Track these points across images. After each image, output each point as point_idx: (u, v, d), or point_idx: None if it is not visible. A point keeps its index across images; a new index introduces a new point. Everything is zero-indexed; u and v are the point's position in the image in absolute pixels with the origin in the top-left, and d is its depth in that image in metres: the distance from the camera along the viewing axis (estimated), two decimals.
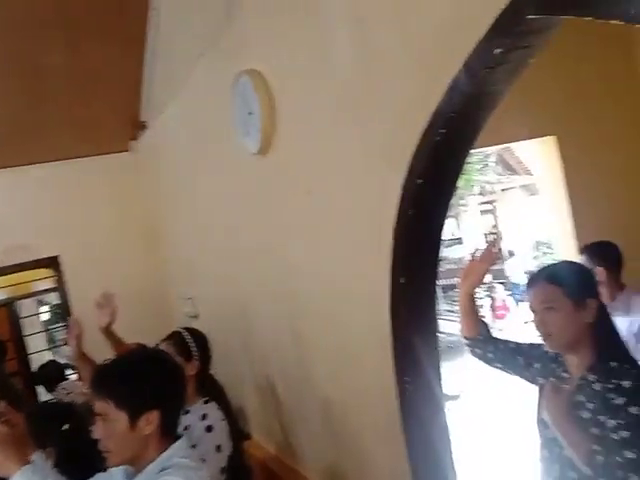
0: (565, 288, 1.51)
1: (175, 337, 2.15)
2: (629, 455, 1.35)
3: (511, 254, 11.20)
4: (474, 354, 1.85)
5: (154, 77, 3.90)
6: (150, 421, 1.31)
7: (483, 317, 1.90)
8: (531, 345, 1.75)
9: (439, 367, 1.62)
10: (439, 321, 1.81)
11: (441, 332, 3.54)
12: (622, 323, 2.43)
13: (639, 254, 2.68)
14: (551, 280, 1.55)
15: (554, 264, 1.75)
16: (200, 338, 2.18)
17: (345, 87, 1.79)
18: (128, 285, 4.06)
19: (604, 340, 1.53)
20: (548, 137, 3.10)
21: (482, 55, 1.27)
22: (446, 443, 1.67)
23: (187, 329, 2.21)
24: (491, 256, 1.84)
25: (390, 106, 1.59)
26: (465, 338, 1.86)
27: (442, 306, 7.32)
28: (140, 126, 4.27)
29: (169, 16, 3.40)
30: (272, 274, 2.55)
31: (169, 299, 4.30)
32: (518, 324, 7.12)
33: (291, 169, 2.23)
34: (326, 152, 1.96)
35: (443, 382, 1.64)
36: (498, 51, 1.23)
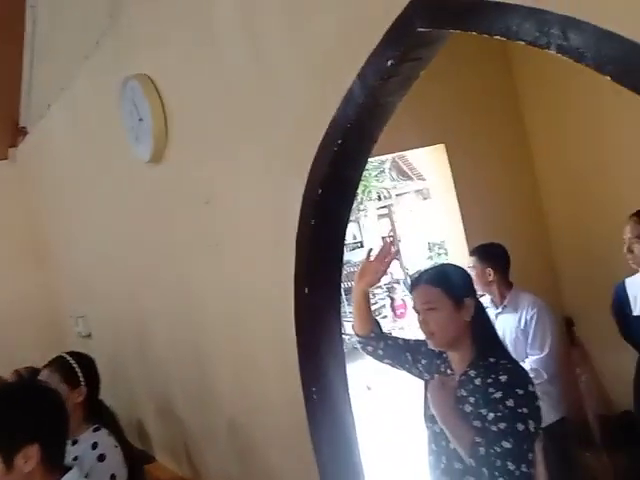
0: (445, 289, 1.61)
1: (58, 363, 1.99)
2: (506, 445, 1.45)
3: (406, 255, 11.72)
4: (366, 351, 1.93)
5: (34, 79, 3.62)
6: (29, 456, 1.20)
7: (375, 315, 2.00)
8: (418, 342, 1.83)
9: (346, 376, 1.62)
10: (343, 323, 1.85)
11: (346, 334, 3.59)
12: (511, 319, 2.61)
13: (524, 254, 2.89)
14: (432, 282, 1.64)
15: (435, 267, 1.88)
16: (86, 362, 2.03)
17: (241, 96, 1.76)
18: (14, 305, 3.76)
19: (482, 337, 1.63)
20: (438, 145, 3.25)
21: (375, 67, 1.29)
22: (355, 449, 1.68)
23: (72, 353, 2.05)
24: (387, 256, 1.89)
25: (288, 117, 1.58)
26: (357, 336, 1.93)
27: (345, 308, 7.50)
28: (20, 132, 3.95)
29: (48, 14, 3.16)
30: (171, 289, 2.44)
31: (59, 318, 4.00)
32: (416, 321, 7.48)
33: (187, 178, 2.15)
34: (224, 161, 1.91)
35: (350, 385, 1.65)
36: (390, 63, 1.26)
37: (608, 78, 0.84)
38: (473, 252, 2.74)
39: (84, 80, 2.89)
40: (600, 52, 0.84)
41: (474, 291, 1.71)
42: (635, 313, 2.46)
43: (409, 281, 10.97)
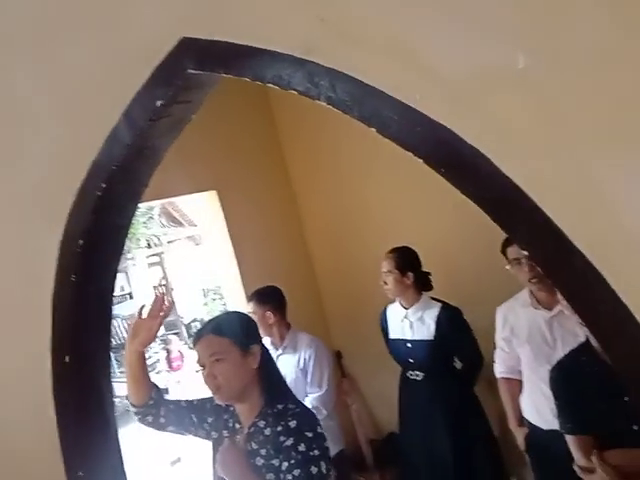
0: (232, 338, 1.55)
1: None
2: None
3: (181, 304, 11.36)
4: (145, 422, 1.72)
5: None
6: None
7: (149, 371, 1.79)
8: (203, 400, 1.72)
9: (120, 452, 1.41)
10: (114, 385, 1.62)
11: (118, 397, 3.22)
12: (291, 360, 2.66)
13: (296, 295, 3.00)
14: (218, 332, 1.56)
15: (218, 317, 1.79)
16: None
17: None
18: None
19: (270, 384, 1.60)
20: (210, 192, 3.23)
21: (143, 106, 1.20)
22: None
23: None
24: (160, 310, 1.74)
25: (39, 157, 1.36)
26: (134, 406, 1.70)
27: (115, 369, 6.85)
28: None
29: None
30: None
31: None
32: (193, 372, 7.22)
33: None
34: None
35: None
36: (159, 103, 1.19)
37: (374, 130, 0.90)
38: (252, 297, 2.75)
39: None
40: (366, 106, 0.89)
41: (260, 337, 1.68)
42: (390, 336, 2.77)
43: (186, 331, 10.63)
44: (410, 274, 2.63)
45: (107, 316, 1.43)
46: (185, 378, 7.13)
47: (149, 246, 13.49)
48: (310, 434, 1.49)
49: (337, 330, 3.60)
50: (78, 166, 1.28)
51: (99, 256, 1.34)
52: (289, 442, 1.47)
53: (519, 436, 2.38)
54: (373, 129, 0.88)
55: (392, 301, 2.78)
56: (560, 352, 1.95)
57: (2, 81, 1.43)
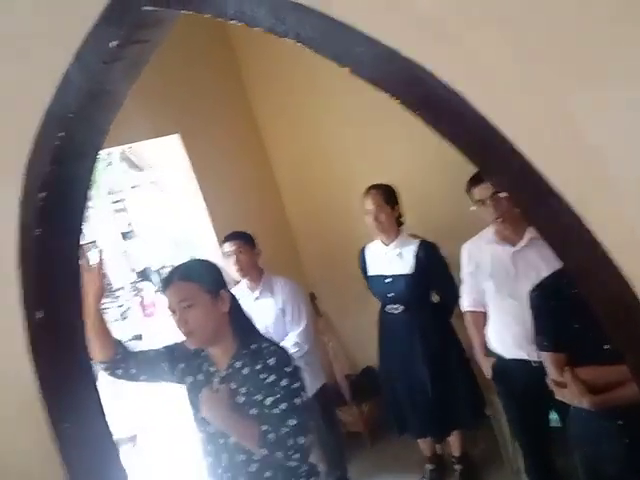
0: (200, 284, 1.58)
1: None
2: (292, 422, 1.50)
3: (148, 250, 11.24)
4: (115, 375, 1.76)
5: None
6: None
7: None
8: (169, 347, 1.76)
9: (101, 402, 1.42)
10: None
11: None
12: (269, 302, 2.70)
13: (269, 241, 2.99)
14: (186, 278, 1.59)
15: (185, 263, 1.82)
16: None
17: None
18: None
19: (240, 327, 1.65)
20: (173, 135, 3.12)
21: (95, 47, 1.13)
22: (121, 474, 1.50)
23: None
24: (94, 263, 1.77)
25: None
26: (100, 362, 1.74)
27: None
28: None
29: None
30: None
31: None
32: (167, 318, 7.27)
33: None
34: None
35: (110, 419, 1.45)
36: (113, 44, 1.11)
37: (347, 69, 0.86)
38: (227, 238, 2.73)
39: None
40: (337, 44, 0.85)
41: (226, 283, 1.71)
42: (369, 273, 2.81)
43: (157, 277, 10.57)
44: (397, 209, 2.64)
45: (75, 268, 1.40)
46: (158, 325, 7.17)
47: (111, 193, 13.16)
48: (289, 369, 1.57)
49: (311, 272, 3.64)
50: (31, 115, 1.20)
51: (62, 208, 1.29)
52: (271, 379, 1.53)
53: (485, 365, 2.49)
54: (346, 68, 0.85)
55: (369, 240, 2.81)
56: (523, 285, 2.01)
57: None
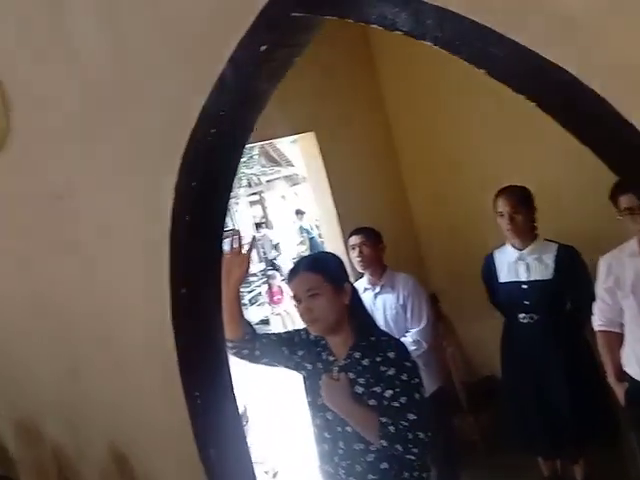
0: (326, 275, 1.64)
1: None
2: (412, 417, 1.51)
3: (278, 244, 11.81)
4: (240, 355, 1.84)
5: None
6: None
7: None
8: (291, 333, 1.84)
9: (230, 376, 1.55)
10: None
11: None
12: (390, 297, 2.73)
13: (393, 237, 3.02)
14: (312, 269, 1.66)
15: (311, 255, 1.89)
16: None
17: (97, 81, 1.58)
18: None
19: (359, 318, 1.69)
20: (308, 133, 3.25)
21: (248, 52, 1.23)
22: (245, 450, 1.63)
23: None
24: (249, 248, 1.85)
25: (153, 105, 1.45)
26: (230, 341, 1.80)
27: None
28: None
29: None
30: (30, 293, 2.17)
31: None
32: (292, 307, 7.62)
33: (35, 170, 1.90)
34: (82, 150, 1.72)
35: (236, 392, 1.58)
36: (264, 48, 1.20)
37: (482, 72, 0.86)
38: (360, 230, 2.80)
39: None
40: (475, 46, 0.85)
41: (348, 276, 1.76)
42: (500, 280, 2.69)
43: (283, 267, 11.08)
44: (533, 212, 2.55)
45: (218, 252, 1.54)
46: (284, 311, 7.51)
47: (249, 185, 14.01)
48: (409, 364, 1.59)
49: (434, 273, 3.59)
50: (189, 112, 1.34)
51: (210, 198, 1.42)
52: (391, 372, 1.56)
53: (619, 391, 2.29)
54: (482, 71, 0.85)
55: (496, 246, 2.72)
56: None
57: (115, 34, 1.51)
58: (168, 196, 1.43)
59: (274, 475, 3.75)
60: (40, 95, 1.80)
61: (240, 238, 1.88)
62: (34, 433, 2.40)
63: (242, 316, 1.84)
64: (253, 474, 1.65)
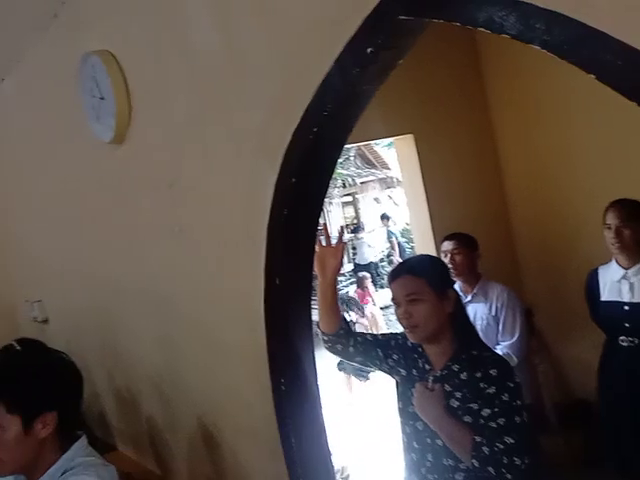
0: (428, 280, 1.55)
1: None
2: (509, 440, 1.41)
3: (369, 245, 11.82)
4: (333, 350, 1.79)
5: None
6: (47, 423, 1.22)
7: (341, 310, 1.86)
8: (386, 336, 1.76)
9: (315, 368, 1.60)
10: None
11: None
12: (482, 307, 2.67)
13: (488, 246, 2.93)
14: (415, 272, 1.57)
15: (414, 257, 1.81)
16: None
17: (210, 78, 1.70)
18: None
19: (461, 329, 1.59)
20: (407, 135, 3.25)
21: (354, 54, 1.26)
22: (324, 441, 1.67)
23: (21, 341, 1.95)
24: (339, 239, 1.79)
25: (260, 101, 1.53)
26: (324, 334, 1.77)
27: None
28: None
29: None
30: (134, 275, 2.37)
31: (13, 302, 3.85)
32: (378, 309, 7.59)
33: (150, 160, 2.08)
34: (191, 143, 1.85)
35: (320, 382, 1.63)
36: (369, 50, 1.23)
37: (592, 77, 0.83)
38: (454, 236, 2.75)
39: (39, 54, 2.75)
40: (585, 50, 0.83)
41: (453, 282, 1.66)
42: (603, 298, 2.54)
43: (374, 269, 11.06)
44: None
45: (312, 247, 1.59)
46: (370, 313, 7.51)
47: (344, 186, 14.14)
48: (512, 384, 1.48)
49: (530, 287, 3.45)
50: (293, 111, 1.40)
51: (308, 194, 1.48)
52: (491, 390, 1.46)
53: None
54: (592, 76, 0.82)
55: (601, 262, 2.57)
56: None
57: (222, 37, 1.61)
58: (268, 189, 1.50)
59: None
60: (158, 93, 1.96)
61: (328, 231, 1.85)
62: (131, 404, 2.61)
63: (338, 309, 1.78)
64: (330, 465, 1.69)
